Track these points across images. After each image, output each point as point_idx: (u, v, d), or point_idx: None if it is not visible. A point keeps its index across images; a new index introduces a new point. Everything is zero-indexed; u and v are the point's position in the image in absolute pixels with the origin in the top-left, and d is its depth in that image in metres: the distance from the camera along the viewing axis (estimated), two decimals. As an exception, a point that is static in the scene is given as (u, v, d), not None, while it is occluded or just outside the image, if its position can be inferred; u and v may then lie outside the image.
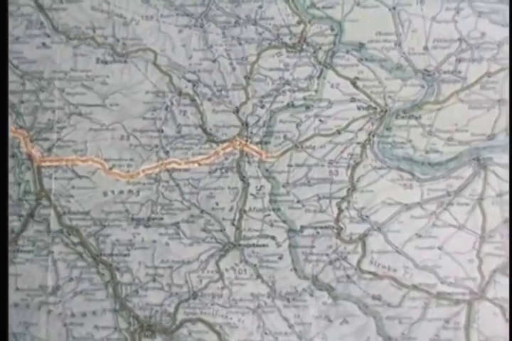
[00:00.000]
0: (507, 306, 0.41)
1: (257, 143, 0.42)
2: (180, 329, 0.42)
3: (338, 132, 0.42)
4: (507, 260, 0.41)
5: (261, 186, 0.42)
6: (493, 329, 0.41)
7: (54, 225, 0.43)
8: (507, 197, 0.41)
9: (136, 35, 0.43)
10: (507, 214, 0.41)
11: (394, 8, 0.42)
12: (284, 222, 0.42)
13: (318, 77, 0.42)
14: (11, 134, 0.43)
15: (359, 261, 0.42)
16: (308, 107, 0.42)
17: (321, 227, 0.42)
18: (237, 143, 0.42)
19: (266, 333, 0.42)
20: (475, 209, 0.41)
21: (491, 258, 0.41)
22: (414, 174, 0.42)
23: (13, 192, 0.43)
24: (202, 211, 0.42)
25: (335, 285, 0.42)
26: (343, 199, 0.42)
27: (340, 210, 0.42)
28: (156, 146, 0.43)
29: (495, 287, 0.41)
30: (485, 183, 0.41)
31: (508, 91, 0.41)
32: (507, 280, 0.41)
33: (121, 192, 0.43)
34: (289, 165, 0.42)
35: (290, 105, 0.42)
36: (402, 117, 0.42)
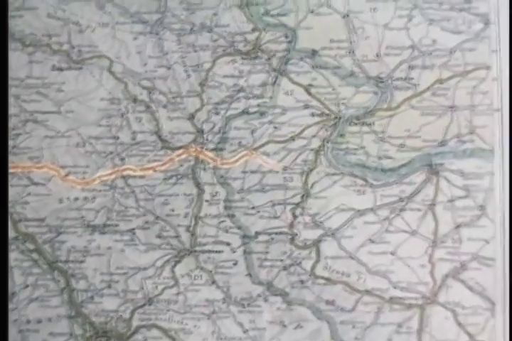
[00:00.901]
0: (459, 310, 0.42)
1: (212, 150, 0.43)
2: (135, 335, 0.42)
3: (292, 139, 0.42)
4: (459, 265, 0.42)
5: (216, 192, 0.42)
6: (444, 333, 0.42)
7: (10, 232, 0.43)
8: (458, 202, 0.42)
9: (92, 42, 0.43)
10: (459, 220, 0.42)
11: (347, 16, 0.42)
12: (239, 228, 0.42)
13: (273, 84, 0.42)
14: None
15: (313, 267, 0.42)
16: (262, 114, 0.42)
17: (276, 233, 0.42)
18: (192, 149, 0.43)
19: (221, 338, 0.42)
20: (427, 214, 0.42)
21: (442, 263, 0.42)
22: (367, 180, 0.42)
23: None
24: (157, 217, 0.43)
25: (289, 291, 0.42)
26: (297, 205, 0.42)
27: (295, 216, 0.42)
28: (112, 153, 0.43)
29: (447, 291, 0.42)
30: (437, 189, 0.42)
31: (459, 97, 0.42)
32: (459, 284, 0.42)
33: (77, 198, 0.43)
34: (244, 172, 0.42)
35: (245, 112, 0.42)
36: (355, 124, 0.42)
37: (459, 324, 0.41)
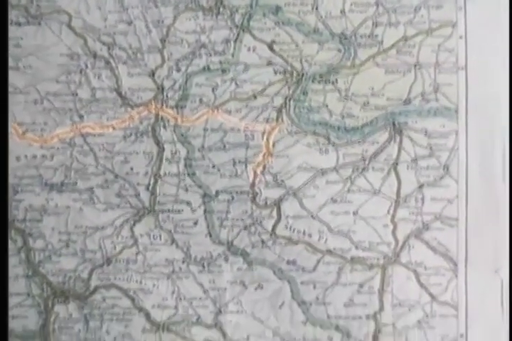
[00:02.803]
0: (421, 270, 0.41)
1: (172, 107, 0.42)
2: (94, 295, 0.42)
3: (255, 96, 0.42)
4: (421, 225, 0.41)
5: (176, 151, 0.42)
6: (406, 293, 0.41)
7: (-34, 191, 0.42)
8: (422, 162, 0.41)
9: (50, -4, 0.42)
10: (422, 179, 0.41)
11: (311, -29, 0.41)
12: (199, 187, 0.42)
13: (235, 41, 0.42)
14: None
15: (274, 226, 0.41)
16: (224, 71, 0.42)
17: (236, 192, 0.41)
18: (153, 107, 0.42)
19: (180, 298, 0.42)
20: (390, 174, 0.41)
21: (405, 223, 0.41)
22: (330, 139, 0.41)
23: None
24: (116, 176, 0.42)
25: (250, 251, 0.41)
26: (258, 164, 0.41)
27: (256, 175, 0.41)
28: (70, 110, 0.42)
29: (409, 252, 0.41)
30: (400, 148, 0.41)
31: (424, 54, 0.41)
32: (421, 244, 0.41)
33: (35, 156, 0.42)
34: (205, 130, 0.42)
35: (206, 69, 0.42)
36: (319, 81, 0.41)
37: (421, 284, 0.41)
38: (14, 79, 0.42)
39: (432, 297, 0.41)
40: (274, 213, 0.41)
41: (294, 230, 0.41)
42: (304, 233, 0.41)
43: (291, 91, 0.41)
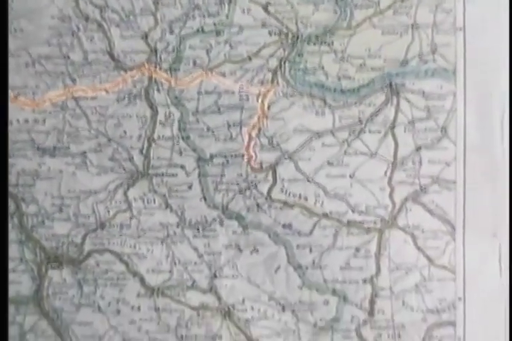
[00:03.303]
0: (418, 234, 0.41)
1: (166, 70, 0.41)
2: (87, 259, 0.41)
3: (249, 58, 0.41)
4: (418, 188, 0.41)
5: (170, 114, 0.41)
6: (403, 257, 0.41)
7: (-42, 155, 0.41)
8: (419, 124, 0.41)
9: (41, -43, 0.41)
10: (420, 142, 0.41)
11: None
12: (194, 150, 0.41)
13: (229, 2, 0.41)
14: None
15: (269, 190, 0.41)
16: (218, 33, 0.41)
17: (231, 156, 0.41)
18: (146, 69, 0.41)
19: (175, 263, 0.41)
20: (387, 136, 0.41)
21: (402, 186, 0.41)
22: (326, 101, 0.41)
23: None
24: (109, 139, 0.41)
25: (245, 214, 0.41)
26: (253, 126, 0.41)
27: (251, 138, 0.41)
28: (62, 73, 0.41)
29: (406, 215, 0.41)
30: (397, 110, 0.41)
31: (421, 15, 0.40)
32: (418, 207, 0.41)
33: (27, 120, 0.41)
34: (199, 92, 0.41)
35: (200, 30, 0.41)
36: (314, 43, 0.41)
37: (419, 248, 0.41)
38: (5, 42, 0.41)
39: (430, 260, 0.40)
40: (270, 176, 0.41)
41: (289, 194, 0.41)
42: (299, 196, 0.41)
43: (286, 53, 0.41)
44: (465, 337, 0.40)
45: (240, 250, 0.41)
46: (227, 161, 0.41)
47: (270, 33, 0.41)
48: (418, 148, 0.41)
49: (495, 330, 0.40)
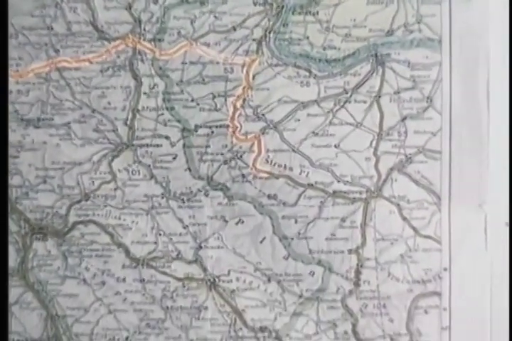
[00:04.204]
0: (404, 204, 0.41)
1: (150, 41, 0.41)
2: (72, 231, 0.41)
3: (234, 28, 0.41)
4: (404, 158, 0.41)
5: (154, 84, 0.41)
6: (389, 227, 0.41)
7: None
8: (405, 94, 0.40)
9: None
10: (405, 112, 0.40)
11: None
12: (178, 121, 0.41)
13: (213, -28, 0.41)
14: None
15: (254, 160, 0.41)
16: (202, 3, 0.41)
17: (216, 126, 0.41)
18: (130, 40, 0.41)
19: (160, 234, 0.41)
20: (372, 106, 0.41)
21: (388, 156, 0.41)
22: (311, 71, 0.41)
23: None
24: (94, 111, 0.41)
25: (230, 185, 0.41)
26: (238, 97, 0.41)
27: (236, 108, 0.41)
28: (46, 44, 0.41)
29: (392, 185, 0.41)
30: (382, 80, 0.40)
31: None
32: (404, 178, 0.41)
33: (10, 92, 0.41)
34: (183, 63, 0.41)
35: (184, 1, 0.41)
36: (299, 13, 0.40)
37: (404, 218, 0.40)
38: (-12, 13, 0.41)
39: (415, 231, 0.40)
40: (255, 147, 0.41)
41: (274, 164, 0.41)
42: (284, 167, 0.41)
43: (271, 23, 0.40)
44: (450, 308, 0.40)
45: (225, 221, 0.41)
46: (212, 132, 0.41)
47: (255, 3, 0.41)
48: (404, 118, 0.40)
49: (480, 300, 0.40)
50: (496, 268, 0.40)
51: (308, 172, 0.41)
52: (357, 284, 0.41)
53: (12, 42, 0.41)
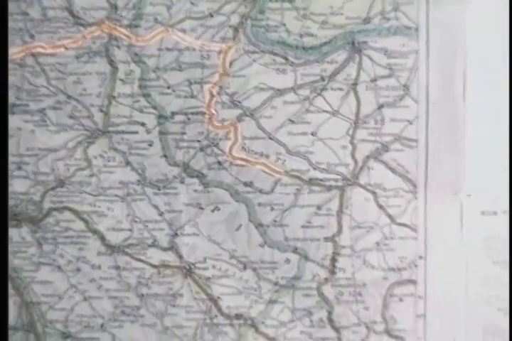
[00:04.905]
0: (380, 192, 0.41)
1: (126, 26, 0.41)
2: (47, 218, 0.41)
3: (211, 15, 0.40)
4: (380, 146, 0.41)
5: (130, 71, 0.41)
6: (365, 215, 0.41)
7: None
8: (381, 82, 0.40)
9: None
10: (382, 100, 0.40)
11: None
12: (154, 108, 0.41)
13: (190, -42, 0.40)
14: None
15: (231, 148, 0.41)
16: (179, -11, 0.40)
17: (192, 113, 0.41)
18: (106, 26, 0.41)
19: (135, 221, 0.41)
20: (349, 94, 0.40)
21: (364, 144, 0.41)
22: (287, 58, 0.40)
23: None
24: (69, 97, 0.41)
25: (206, 172, 0.41)
26: (214, 84, 0.41)
27: (212, 95, 0.41)
28: (21, 30, 0.41)
29: (368, 173, 0.41)
30: (359, 68, 0.40)
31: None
32: (380, 166, 0.41)
33: (-15, 77, 0.41)
34: (160, 49, 0.41)
35: (161, -13, 0.40)
36: (276, 0, 0.40)
37: (380, 206, 0.41)
38: (-37, -2, 0.41)
39: (391, 219, 0.40)
40: (231, 134, 0.41)
41: (251, 151, 0.41)
42: (261, 154, 0.41)
43: (248, 10, 0.40)
44: (426, 296, 0.41)
45: (201, 208, 0.41)
46: (188, 119, 0.41)
47: (232, -10, 0.40)
48: (380, 106, 0.40)
49: (455, 289, 0.40)
50: (471, 257, 0.40)
51: (284, 160, 0.41)
52: (332, 272, 0.41)
53: (-13, 28, 0.41)
